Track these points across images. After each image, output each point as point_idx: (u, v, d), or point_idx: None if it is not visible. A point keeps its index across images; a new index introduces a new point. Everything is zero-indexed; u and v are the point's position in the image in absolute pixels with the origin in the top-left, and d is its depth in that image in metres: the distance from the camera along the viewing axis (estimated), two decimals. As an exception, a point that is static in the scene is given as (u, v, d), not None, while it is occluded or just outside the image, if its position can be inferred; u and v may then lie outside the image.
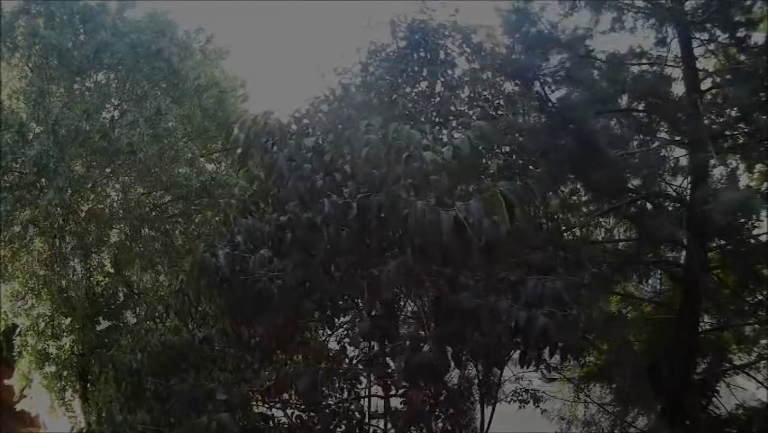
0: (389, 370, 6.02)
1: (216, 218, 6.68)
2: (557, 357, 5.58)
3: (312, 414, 6.60)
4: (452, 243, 4.26)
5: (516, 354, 5.87)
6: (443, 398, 6.51)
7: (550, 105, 8.27)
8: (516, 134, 9.00)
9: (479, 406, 9.07)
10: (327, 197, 4.98)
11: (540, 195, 5.95)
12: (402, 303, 5.86)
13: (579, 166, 7.87)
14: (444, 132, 8.10)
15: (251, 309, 5.36)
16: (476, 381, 8.69)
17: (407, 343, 5.29)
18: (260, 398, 6.20)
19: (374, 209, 4.88)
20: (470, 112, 9.70)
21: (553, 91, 8.53)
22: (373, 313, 5.62)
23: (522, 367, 5.80)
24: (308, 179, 5.14)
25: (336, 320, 6.42)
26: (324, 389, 6.26)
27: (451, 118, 9.64)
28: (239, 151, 5.59)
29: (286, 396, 6.36)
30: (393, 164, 4.85)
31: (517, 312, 4.72)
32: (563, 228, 8.68)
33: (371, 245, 5.31)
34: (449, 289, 5.05)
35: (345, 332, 7.06)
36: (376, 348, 6.03)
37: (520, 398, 10.61)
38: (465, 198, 4.68)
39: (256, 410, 6.21)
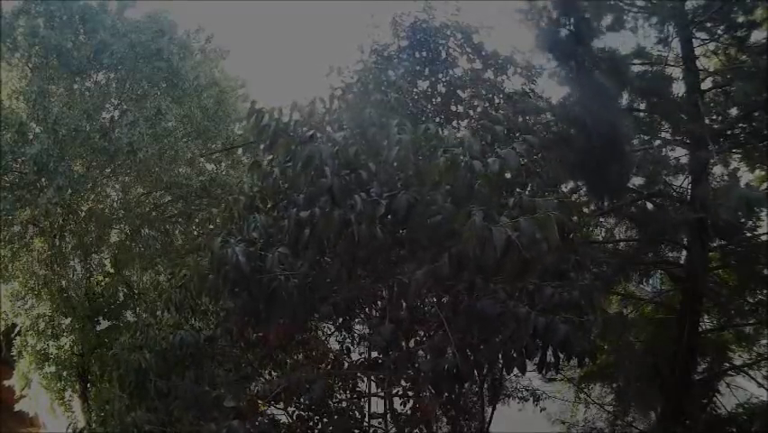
0: (408, 374, 5.98)
1: (224, 214, 6.59)
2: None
3: (312, 414, 6.61)
4: (501, 259, 4.16)
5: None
6: (445, 398, 6.51)
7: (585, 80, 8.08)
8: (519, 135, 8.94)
9: (479, 406, 9.06)
10: (355, 193, 4.90)
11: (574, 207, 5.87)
12: (424, 307, 5.79)
13: (600, 160, 7.78)
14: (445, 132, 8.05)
15: (265, 309, 5.26)
16: (478, 380, 8.67)
17: (431, 349, 5.23)
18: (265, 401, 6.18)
19: (403, 210, 4.79)
20: (471, 112, 9.69)
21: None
22: (394, 316, 5.54)
23: (540, 372, 5.77)
24: (339, 173, 4.99)
25: (351, 324, 6.37)
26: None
27: (452, 118, 9.63)
28: (266, 140, 5.40)
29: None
30: (424, 165, 4.73)
31: (536, 318, 4.68)
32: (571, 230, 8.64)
33: (395, 247, 5.21)
34: (470, 295, 4.99)
35: (354, 335, 7.05)
36: (387, 352, 6.02)
37: (520, 395, 10.61)
38: (503, 211, 4.60)
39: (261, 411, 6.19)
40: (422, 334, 5.81)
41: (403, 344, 5.71)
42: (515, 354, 5.05)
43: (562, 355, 4.98)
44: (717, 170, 8.85)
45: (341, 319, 6.10)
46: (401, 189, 4.88)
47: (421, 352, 5.64)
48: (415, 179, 4.80)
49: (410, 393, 6.37)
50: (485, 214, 4.27)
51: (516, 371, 5.33)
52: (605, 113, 7.64)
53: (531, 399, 10.84)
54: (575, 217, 5.41)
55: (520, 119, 9.44)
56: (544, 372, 5.67)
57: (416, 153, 4.81)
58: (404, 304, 5.43)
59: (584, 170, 8.23)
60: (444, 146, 4.76)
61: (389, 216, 4.94)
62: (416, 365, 5.69)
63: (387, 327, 5.34)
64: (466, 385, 6.94)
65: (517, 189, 5.59)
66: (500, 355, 5.21)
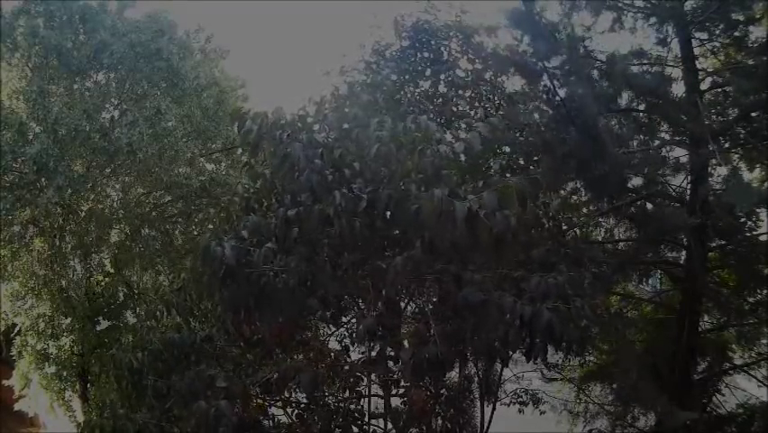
0: (393, 367, 6.01)
1: (221, 215, 6.67)
2: (558, 355, 5.56)
3: (311, 413, 6.61)
4: (465, 234, 4.24)
5: (517, 354, 5.86)
6: (443, 397, 6.51)
7: (558, 99, 8.16)
8: (518, 133, 8.99)
9: (479, 405, 9.08)
10: (336, 190, 4.96)
11: (547, 189, 5.93)
12: (405, 300, 5.85)
13: (584, 162, 7.81)
14: (448, 132, 8.09)
15: (254, 304, 5.33)
16: (476, 379, 8.69)
17: (413, 338, 5.28)
18: (260, 394, 6.20)
19: (383, 203, 4.86)
20: (472, 112, 9.70)
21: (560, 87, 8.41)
22: (378, 310, 5.59)
23: (528, 362, 5.81)
24: (320, 172, 5.08)
25: (340, 318, 6.41)
26: (324, 388, 6.27)
27: (453, 119, 9.64)
28: (250, 143, 5.51)
29: (286, 394, 6.37)
30: (404, 160, 4.82)
31: (522, 307, 4.72)
32: (565, 228, 8.67)
33: (379, 240, 5.29)
34: (454, 285, 5.04)
35: (348, 330, 7.07)
36: (377, 347, 6.03)
37: (520, 399, 10.61)
38: (474, 193, 4.66)
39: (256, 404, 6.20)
40: (404, 327, 5.86)
41: (390, 335, 5.75)
42: (497, 344, 5.09)
43: (550, 344, 5.00)
44: (717, 169, 8.85)
45: (329, 313, 6.13)
46: (384, 184, 4.95)
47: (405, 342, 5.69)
48: (397, 173, 4.88)
49: (402, 389, 6.39)
50: (450, 192, 4.35)
51: (514, 370, 5.36)
52: (586, 119, 7.68)
53: (530, 402, 10.83)
54: (545, 194, 5.48)
55: (521, 119, 9.47)
56: (531, 360, 5.70)
57: (399, 149, 4.88)
58: (385, 297, 5.48)
59: (577, 173, 8.26)
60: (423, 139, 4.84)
61: (374, 212, 5.02)
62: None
63: (369, 318, 5.39)
64: (464, 384, 6.97)
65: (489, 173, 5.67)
66: (486, 346, 5.26)
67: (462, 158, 5.08)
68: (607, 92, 8.42)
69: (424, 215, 4.41)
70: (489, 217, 4.17)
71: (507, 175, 7.36)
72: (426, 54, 10.24)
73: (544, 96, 8.61)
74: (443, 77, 10.21)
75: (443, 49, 10.25)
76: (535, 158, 9.07)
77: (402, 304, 5.94)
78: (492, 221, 4.17)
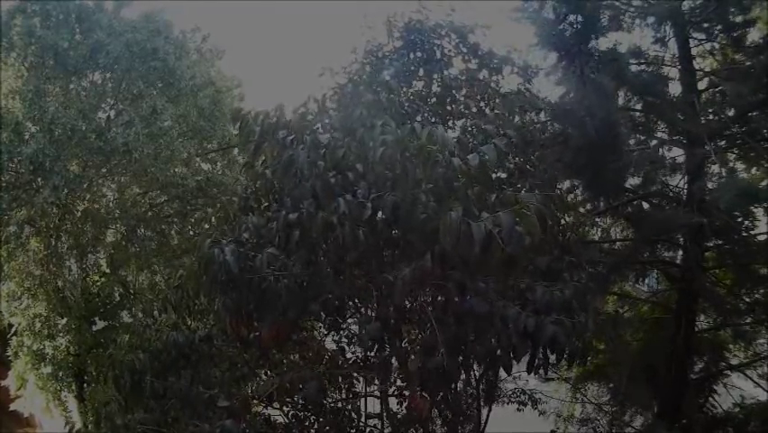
0: (395, 373, 5.97)
1: (218, 215, 6.61)
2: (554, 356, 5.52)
3: (308, 414, 6.59)
4: (479, 253, 4.17)
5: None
6: (440, 398, 6.49)
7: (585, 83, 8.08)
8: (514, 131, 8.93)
9: (476, 406, 9.05)
10: (340, 195, 4.89)
11: (559, 201, 5.87)
12: (409, 306, 5.79)
13: (598, 157, 7.76)
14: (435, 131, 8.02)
15: (255, 309, 5.27)
16: (473, 381, 8.66)
17: (420, 348, 5.23)
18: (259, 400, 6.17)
19: (388, 210, 4.80)
20: (467, 112, 9.67)
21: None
22: (381, 314, 5.53)
23: (529, 373, 5.78)
24: (322, 176, 5.00)
25: (340, 322, 6.36)
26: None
27: (448, 118, 9.60)
28: (251, 144, 5.43)
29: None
30: (412, 168, 4.74)
31: (526, 319, 4.68)
32: (565, 230, 8.66)
33: (384, 247, 5.22)
34: (459, 293, 4.98)
35: (349, 333, 7.04)
36: (379, 352, 6.00)
37: (518, 399, 10.59)
38: (485, 207, 4.60)
39: (255, 410, 6.17)
40: (412, 333, 5.80)
41: (393, 342, 5.70)
42: (499, 354, 5.04)
43: (551, 355, 4.97)
44: (714, 169, 8.85)
45: (329, 318, 6.09)
46: (388, 190, 4.88)
47: (410, 350, 5.64)
48: (402, 179, 4.81)
49: (405, 393, 6.36)
50: (464, 210, 4.29)
51: (512, 371, 5.31)
52: (605, 112, 7.64)
53: (529, 402, 10.81)
54: (560, 211, 5.40)
55: (517, 119, 9.45)
56: (533, 373, 5.67)
57: (403, 153, 4.80)
58: (391, 303, 5.42)
59: (581, 170, 8.24)
60: (429, 144, 4.76)
61: (378, 217, 4.95)
62: (407, 364, 5.69)
63: (374, 325, 5.34)
64: (461, 386, 6.93)
65: (504, 186, 5.58)
66: (489, 355, 5.20)
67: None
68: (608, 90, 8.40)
69: (440, 233, 4.33)
70: (505, 239, 4.10)
71: (513, 184, 7.24)
72: (419, 54, 10.22)
73: (575, 79, 8.47)
74: (435, 76, 10.18)
75: (435, 48, 10.23)
76: (532, 156, 9.04)
77: (407, 309, 5.88)
78: (507, 242, 4.11)
